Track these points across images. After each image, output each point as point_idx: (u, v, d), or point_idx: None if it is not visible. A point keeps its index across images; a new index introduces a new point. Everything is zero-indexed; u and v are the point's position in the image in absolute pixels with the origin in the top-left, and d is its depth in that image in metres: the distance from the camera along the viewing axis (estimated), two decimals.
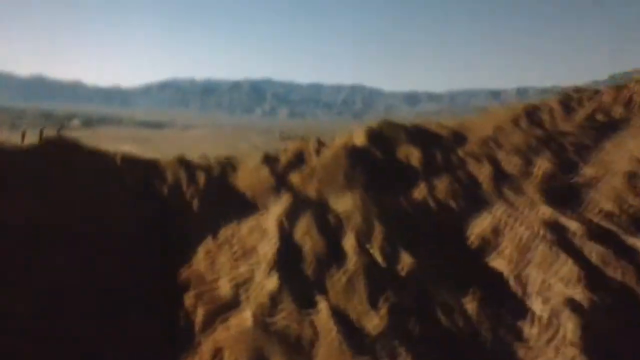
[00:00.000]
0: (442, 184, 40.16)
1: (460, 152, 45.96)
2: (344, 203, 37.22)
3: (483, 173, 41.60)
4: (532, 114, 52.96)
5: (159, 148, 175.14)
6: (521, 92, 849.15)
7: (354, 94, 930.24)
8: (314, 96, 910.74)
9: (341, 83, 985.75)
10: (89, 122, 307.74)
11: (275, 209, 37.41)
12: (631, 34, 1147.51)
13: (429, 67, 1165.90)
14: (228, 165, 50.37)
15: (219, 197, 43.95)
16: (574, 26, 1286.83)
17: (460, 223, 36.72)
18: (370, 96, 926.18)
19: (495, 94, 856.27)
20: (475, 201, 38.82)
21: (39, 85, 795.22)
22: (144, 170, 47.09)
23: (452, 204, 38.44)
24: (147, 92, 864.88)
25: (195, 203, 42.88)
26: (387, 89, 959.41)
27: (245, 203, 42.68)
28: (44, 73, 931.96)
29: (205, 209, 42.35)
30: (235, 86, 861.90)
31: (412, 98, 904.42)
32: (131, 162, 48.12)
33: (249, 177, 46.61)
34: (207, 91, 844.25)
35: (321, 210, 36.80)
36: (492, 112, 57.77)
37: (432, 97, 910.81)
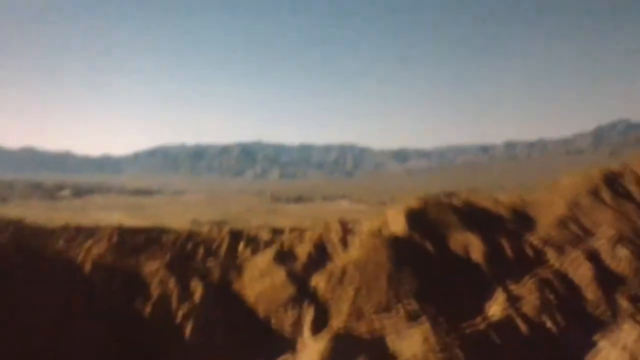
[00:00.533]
0: (526, 292, 29.15)
1: (534, 240, 35.59)
2: (410, 344, 25.81)
3: (581, 273, 29.81)
4: (613, 182, 43.58)
5: (149, 216, 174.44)
6: (509, 146, 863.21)
7: (344, 153, 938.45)
8: (304, 157, 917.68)
9: (331, 143, 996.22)
10: (78, 192, 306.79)
11: (312, 354, 26.51)
12: (615, 86, 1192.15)
13: (417, 124, 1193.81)
14: (232, 267, 40.16)
15: (221, 317, 33.51)
16: (559, 79, 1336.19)
17: (567, 352, 25.53)
18: (360, 154, 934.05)
19: (484, 149, 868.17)
20: (580, 317, 27.69)
21: (30, 157, 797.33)
22: (122, 280, 37.60)
23: (548, 322, 26.97)
24: (137, 158, 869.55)
25: (188, 328, 32.45)
26: (377, 147, 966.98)
27: (258, 326, 32.61)
28: (34, 144, 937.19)
29: (203, 338, 32.10)
30: (226, 149, 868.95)
31: (401, 155, 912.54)
32: (103, 269, 39.15)
33: (260, 283, 36.90)
34: (197, 155, 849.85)
35: (379, 354, 25.83)
36: (558, 183, 47.96)
37: (421, 153, 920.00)
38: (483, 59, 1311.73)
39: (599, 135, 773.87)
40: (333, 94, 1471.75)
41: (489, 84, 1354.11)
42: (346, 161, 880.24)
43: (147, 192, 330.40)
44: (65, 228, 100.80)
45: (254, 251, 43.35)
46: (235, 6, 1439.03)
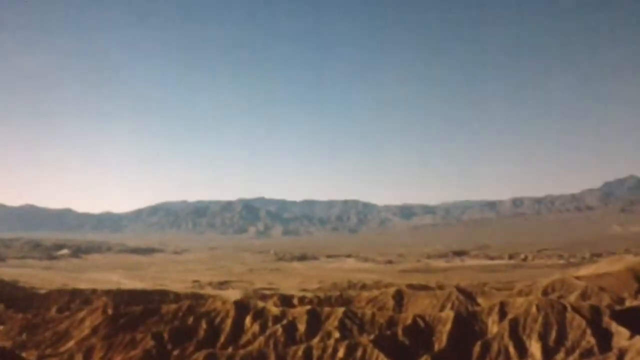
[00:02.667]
0: None
1: None
2: None
3: None
4: None
5: (149, 276, 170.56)
6: (517, 202, 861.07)
7: (347, 209, 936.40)
8: (307, 213, 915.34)
9: (334, 198, 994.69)
10: (78, 250, 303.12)
11: None
12: (622, 142, 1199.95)
13: (422, 180, 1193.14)
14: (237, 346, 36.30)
15: None
16: (566, 135, 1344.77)
17: None
18: (364, 210, 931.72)
19: (491, 205, 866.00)
20: None
21: (30, 214, 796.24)
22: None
23: None
24: (139, 216, 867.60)
25: None
26: (381, 203, 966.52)
27: None
28: (35, 202, 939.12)
29: None
30: (228, 206, 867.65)
31: (406, 211, 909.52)
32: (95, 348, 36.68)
33: None
34: (199, 212, 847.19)
35: None
36: None
37: (426, 209, 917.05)
38: (488, 115, 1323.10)
39: (608, 192, 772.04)
40: (336, 149, 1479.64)
41: (494, 140, 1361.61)
42: (350, 217, 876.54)
43: (148, 251, 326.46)
44: (60, 292, 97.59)
45: (262, 327, 39.56)
46: (239, 62, 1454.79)
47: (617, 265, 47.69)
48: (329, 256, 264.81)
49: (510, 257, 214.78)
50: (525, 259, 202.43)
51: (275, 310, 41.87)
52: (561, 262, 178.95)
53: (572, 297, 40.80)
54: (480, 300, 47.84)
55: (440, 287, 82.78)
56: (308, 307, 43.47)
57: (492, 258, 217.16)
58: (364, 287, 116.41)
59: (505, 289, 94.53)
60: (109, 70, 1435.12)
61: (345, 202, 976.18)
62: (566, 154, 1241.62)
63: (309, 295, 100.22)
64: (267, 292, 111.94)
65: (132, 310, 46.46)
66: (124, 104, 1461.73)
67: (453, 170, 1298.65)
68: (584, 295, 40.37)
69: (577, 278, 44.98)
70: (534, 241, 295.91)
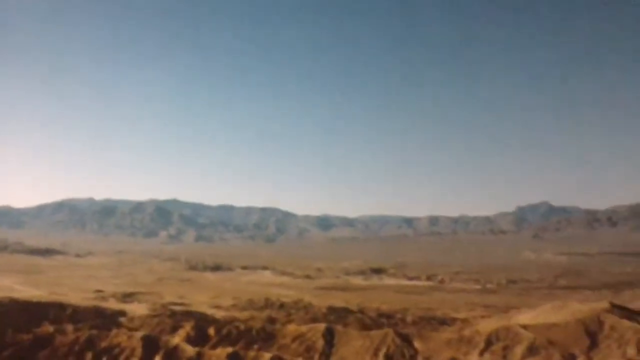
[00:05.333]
0: None
1: None
2: None
3: None
4: None
5: (47, 282, 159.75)
6: (433, 220, 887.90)
7: (266, 217, 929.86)
8: (224, 218, 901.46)
9: (253, 205, 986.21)
10: None
11: None
12: (537, 168, 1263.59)
13: (342, 191, 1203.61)
14: None
15: None
16: (483, 157, 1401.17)
17: None
18: (283, 219, 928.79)
19: (408, 221, 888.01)
20: None
21: None
22: None
23: None
24: (41, 212, 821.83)
25: None
26: (300, 212, 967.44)
27: None
28: None
29: None
30: (138, 207, 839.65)
31: (325, 222, 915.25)
32: None
33: None
34: (107, 212, 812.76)
35: None
36: None
37: (345, 221, 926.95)
38: (408, 131, 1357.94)
39: (521, 216, 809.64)
40: (255, 154, 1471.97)
41: (413, 155, 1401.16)
42: (268, 225, 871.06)
43: (48, 252, 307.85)
44: None
45: None
46: (155, 56, 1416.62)
47: (562, 313, 47.36)
48: (244, 267, 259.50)
49: (428, 278, 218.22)
50: (442, 282, 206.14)
51: (190, 351, 37.78)
52: (478, 287, 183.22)
53: (519, 350, 39.75)
54: (417, 344, 46.07)
55: (373, 322, 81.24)
56: (229, 349, 39.49)
57: (410, 278, 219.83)
58: (282, 306, 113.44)
59: (428, 317, 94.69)
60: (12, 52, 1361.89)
61: (264, 209, 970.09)
62: (482, 175, 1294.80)
63: (222, 314, 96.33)
64: (177, 307, 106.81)
65: (20, 340, 40.61)
66: (27, 88, 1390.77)
67: (373, 184, 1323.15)
68: (531, 349, 39.32)
69: (524, 327, 43.98)
70: (450, 262, 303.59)
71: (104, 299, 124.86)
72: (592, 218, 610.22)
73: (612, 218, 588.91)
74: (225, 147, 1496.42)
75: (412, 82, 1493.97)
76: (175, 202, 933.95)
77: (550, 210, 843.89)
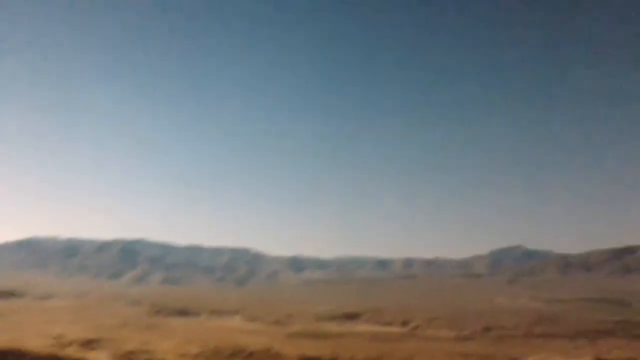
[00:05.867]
0: None
1: None
2: None
3: None
4: None
5: (6, 327, 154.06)
6: (408, 263, 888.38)
7: (236, 258, 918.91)
8: (192, 259, 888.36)
9: (223, 246, 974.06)
10: None
11: None
12: (511, 211, 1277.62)
13: (314, 232, 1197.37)
14: None
15: None
16: (457, 200, 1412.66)
17: None
18: (254, 260, 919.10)
19: (383, 264, 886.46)
20: None
21: None
22: None
23: None
24: (2, 251, 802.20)
25: None
26: (272, 254, 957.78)
27: None
28: None
29: None
30: (103, 247, 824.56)
31: (297, 264, 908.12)
32: None
33: None
34: (70, 252, 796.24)
35: None
36: None
37: (318, 263, 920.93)
38: (380, 173, 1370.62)
39: (495, 260, 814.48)
40: (225, 192, 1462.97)
41: (387, 196, 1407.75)
42: (238, 267, 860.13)
43: (7, 294, 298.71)
44: None
45: None
46: (119, 91, 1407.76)
47: None
48: (213, 311, 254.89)
49: (403, 323, 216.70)
50: (417, 328, 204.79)
51: None
52: (453, 334, 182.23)
53: None
54: None
55: None
56: None
57: (384, 324, 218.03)
58: (251, 355, 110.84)
59: None
60: None
61: (234, 249, 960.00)
62: (457, 217, 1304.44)
63: None
64: (140, 356, 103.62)
65: None
66: None
67: (346, 224, 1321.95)
68: None
69: None
70: (425, 306, 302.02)
71: (64, 345, 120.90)
72: (567, 263, 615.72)
73: (586, 263, 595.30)
74: (194, 185, 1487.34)
75: (384, 123, 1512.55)
76: (142, 242, 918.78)
77: (525, 254, 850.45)
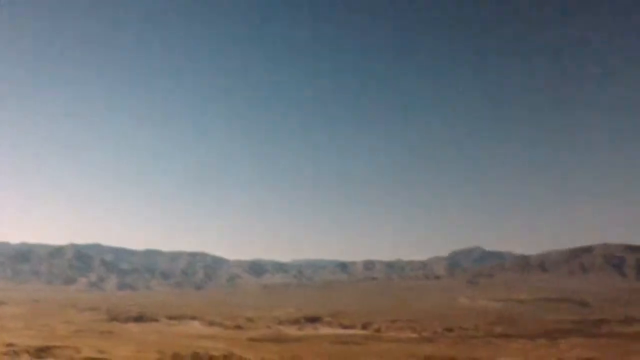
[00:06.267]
0: None
1: None
2: None
3: None
4: None
5: None
6: (368, 265, 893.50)
7: (195, 263, 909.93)
8: (149, 264, 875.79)
9: (180, 250, 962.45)
10: None
11: None
12: (470, 213, 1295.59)
13: (274, 235, 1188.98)
14: None
15: None
16: (416, 202, 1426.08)
17: None
18: (212, 265, 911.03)
19: (343, 266, 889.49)
20: None
21: None
22: None
23: None
24: None
25: None
26: (231, 257, 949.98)
27: None
28: None
29: None
30: (57, 252, 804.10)
31: (257, 267, 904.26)
32: None
33: None
34: (22, 257, 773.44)
35: None
36: None
37: (278, 267, 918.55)
38: (338, 176, 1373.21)
39: (454, 261, 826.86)
40: (183, 195, 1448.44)
41: (347, 199, 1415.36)
42: (197, 272, 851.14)
43: None
44: None
45: None
46: (72, 100, 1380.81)
47: None
48: (171, 317, 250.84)
49: (364, 326, 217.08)
50: (378, 330, 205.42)
51: None
52: (414, 335, 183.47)
53: None
54: None
55: None
56: None
57: (345, 327, 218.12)
58: None
59: None
60: None
61: (193, 254, 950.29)
62: (417, 218, 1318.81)
63: None
64: None
65: None
66: None
67: (306, 227, 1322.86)
68: None
69: None
70: (386, 308, 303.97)
71: (16, 354, 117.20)
72: (525, 263, 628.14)
73: (544, 263, 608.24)
74: (151, 188, 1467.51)
75: (341, 128, 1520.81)
76: (96, 247, 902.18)
77: (483, 255, 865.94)
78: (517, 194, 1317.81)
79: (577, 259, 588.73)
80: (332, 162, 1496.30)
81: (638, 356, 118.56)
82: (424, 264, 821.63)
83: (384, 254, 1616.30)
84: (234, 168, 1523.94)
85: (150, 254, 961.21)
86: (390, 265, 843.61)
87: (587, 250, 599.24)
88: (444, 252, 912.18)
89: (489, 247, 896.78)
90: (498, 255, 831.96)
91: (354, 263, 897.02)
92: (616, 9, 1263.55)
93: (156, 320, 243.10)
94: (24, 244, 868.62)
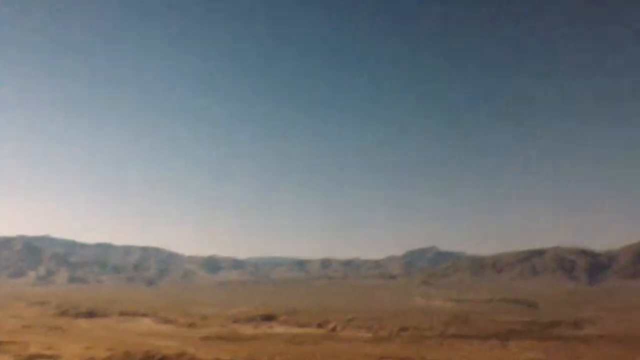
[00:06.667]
0: None
1: None
2: None
3: None
4: None
5: None
6: (325, 264, 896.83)
7: (148, 257, 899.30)
8: (100, 258, 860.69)
9: (133, 244, 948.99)
10: None
11: None
12: (425, 211, 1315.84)
13: (231, 231, 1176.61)
14: None
15: None
16: (371, 200, 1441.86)
17: None
18: (166, 260, 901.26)
19: (300, 264, 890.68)
20: None
21: None
22: None
23: None
24: None
25: None
26: (186, 253, 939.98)
27: None
28: None
29: None
30: (5, 244, 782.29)
31: (212, 264, 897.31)
32: None
33: None
34: None
35: None
36: None
37: (234, 263, 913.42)
38: (296, 173, 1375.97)
39: (410, 261, 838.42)
40: (137, 187, 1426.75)
41: (304, 196, 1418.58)
42: (150, 267, 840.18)
43: None
44: None
45: None
46: (19, 99, 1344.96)
47: None
48: (122, 313, 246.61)
49: (320, 325, 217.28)
50: (334, 329, 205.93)
51: None
52: (370, 335, 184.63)
53: None
54: None
55: None
56: None
57: (301, 325, 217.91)
58: (163, 359, 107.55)
59: None
60: None
61: (146, 248, 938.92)
62: (372, 217, 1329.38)
63: None
64: None
65: None
66: None
67: (263, 224, 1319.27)
68: None
69: None
70: (342, 307, 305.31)
71: None
72: (478, 264, 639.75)
73: (497, 265, 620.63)
74: (103, 179, 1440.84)
75: (295, 129, 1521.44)
76: (46, 239, 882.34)
77: (438, 255, 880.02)
78: (471, 195, 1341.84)
79: (530, 261, 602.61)
80: (289, 159, 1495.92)
81: (586, 359, 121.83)
82: (379, 264, 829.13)
83: (341, 252, 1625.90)
84: (190, 162, 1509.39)
85: (102, 247, 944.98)
86: (346, 264, 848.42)
87: (540, 253, 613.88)
88: (400, 251, 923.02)
89: (443, 247, 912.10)
90: (452, 255, 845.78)
91: (310, 261, 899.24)
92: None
93: (107, 316, 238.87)
94: None
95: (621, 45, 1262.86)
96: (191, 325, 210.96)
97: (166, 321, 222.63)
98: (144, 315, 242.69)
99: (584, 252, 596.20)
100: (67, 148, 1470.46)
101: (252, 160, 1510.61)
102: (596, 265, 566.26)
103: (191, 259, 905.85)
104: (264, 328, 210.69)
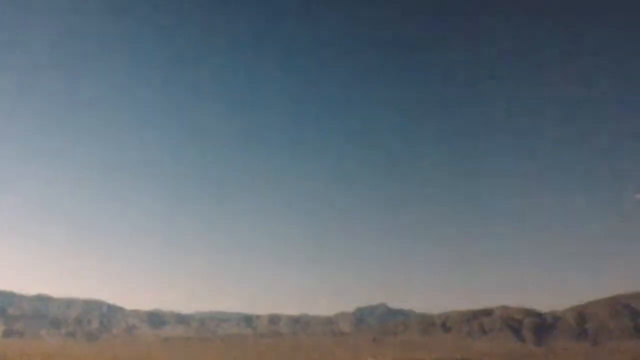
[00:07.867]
0: None
1: None
2: None
3: None
4: None
5: None
6: (274, 319, 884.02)
7: (89, 311, 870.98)
8: (39, 310, 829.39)
9: (74, 297, 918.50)
10: None
11: None
12: (374, 269, 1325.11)
13: (175, 284, 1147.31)
14: None
15: None
16: (322, 255, 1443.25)
17: None
18: (108, 313, 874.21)
19: (248, 320, 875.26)
20: None
21: None
22: None
23: None
24: None
25: None
26: (129, 307, 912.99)
27: None
28: None
29: None
30: None
31: (156, 318, 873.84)
32: None
33: None
34: None
35: None
36: None
37: (179, 318, 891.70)
38: (249, 230, 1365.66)
39: (360, 318, 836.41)
40: (78, 238, 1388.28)
41: (252, 250, 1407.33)
42: (91, 320, 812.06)
43: None
44: None
45: None
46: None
47: None
48: None
49: None
50: None
51: None
52: None
53: None
54: None
55: None
56: None
57: None
58: None
59: None
60: None
61: (87, 301, 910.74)
62: (322, 273, 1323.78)
63: None
64: None
65: None
66: None
67: (209, 278, 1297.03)
68: None
69: None
70: None
71: None
72: (428, 322, 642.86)
73: (446, 323, 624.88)
74: (44, 230, 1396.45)
75: (256, 184, 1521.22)
76: None
77: (388, 312, 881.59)
78: (421, 253, 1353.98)
79: (478, 319, 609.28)
80: (234, 211, 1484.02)
81: None
82: (330, 320, 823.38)
83: (290, 308, 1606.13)
84: (133, 212, 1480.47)
85: (41, 299, 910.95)
86: (296, 320, 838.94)
87: (488, 312, 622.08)
88: (350, 307, 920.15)
89: (393, 304, 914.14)
90: (402, 312, 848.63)
91: (258, 317, 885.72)
92: None
93: None
94: None
95: None
96: None
97: None
98: None
99: (529, 312, 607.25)
100: (1, 195, 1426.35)
101: (198, 211, 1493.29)
102: (541, 326, 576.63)
103: (134, 313, 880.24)
104: None
